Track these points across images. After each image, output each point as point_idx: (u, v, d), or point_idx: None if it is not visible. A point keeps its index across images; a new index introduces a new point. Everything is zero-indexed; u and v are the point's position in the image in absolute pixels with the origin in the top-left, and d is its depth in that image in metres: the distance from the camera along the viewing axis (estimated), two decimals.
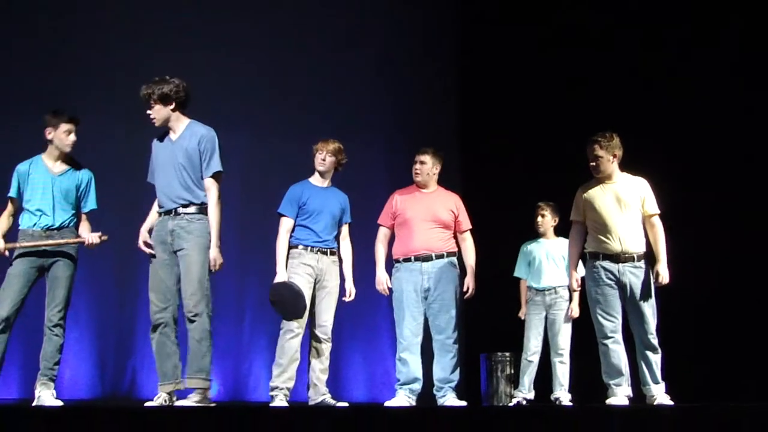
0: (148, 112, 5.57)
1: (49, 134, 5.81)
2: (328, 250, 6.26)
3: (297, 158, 6.79)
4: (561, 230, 7.35)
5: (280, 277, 6.11)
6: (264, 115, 8.57)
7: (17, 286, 5.66)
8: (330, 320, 6.23)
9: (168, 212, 5.57)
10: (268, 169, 8.35)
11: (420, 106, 9.17)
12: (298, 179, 6.39)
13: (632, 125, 7.12)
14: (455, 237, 6.56)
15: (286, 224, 6.23)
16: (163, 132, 5.67)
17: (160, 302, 5.54)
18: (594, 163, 6.18)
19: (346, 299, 6.33)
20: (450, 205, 6.55)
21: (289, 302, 5.98)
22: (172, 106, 5.57)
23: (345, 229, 6.42)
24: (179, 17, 8.67)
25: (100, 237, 5.84)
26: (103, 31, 8.40)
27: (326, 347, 6.21)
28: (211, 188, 5.55)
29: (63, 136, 5.80)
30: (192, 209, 5.54)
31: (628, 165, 6.26)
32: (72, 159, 5.93)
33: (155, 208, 5.71)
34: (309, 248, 6.20)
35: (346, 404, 6.06)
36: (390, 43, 9.37)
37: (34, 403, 5.59)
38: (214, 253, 5.50)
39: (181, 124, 5.62)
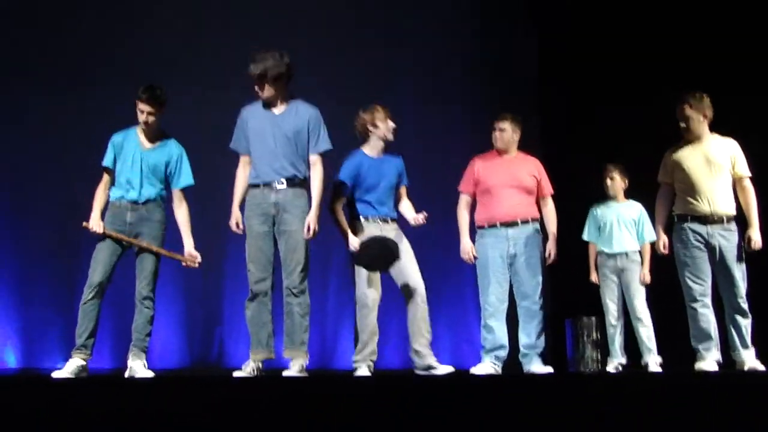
0: (258, 90, 5.63)
1: (138, 109, 5.85)
2: (389, 219, 6.16)
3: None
4: (632, 193, 7.25)
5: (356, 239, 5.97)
6: (341, 81, 8.55)
7: (106, 253, 5.76)
8: (414, 279, 6.07)
9: (268, 184, 5.65)
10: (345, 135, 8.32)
11: (498, 68, 9.04)
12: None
13: (722, 85, 6.89)
14: (537, 202, 6.50)
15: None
16: (255, 102, 5.73)
17: (260, 272, 5.64)
18: (683, 124, 6.10)
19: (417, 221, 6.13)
20: (531, 169, 6.49)
21: (378, 253, 5.88)
22: (283, 85, 5.65)
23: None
24: None
25: (196, 261, 5.95)
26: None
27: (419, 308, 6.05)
28: (317, 163, 5.70)
29: (139, 113, 5.83)
30: (297, 184, 5.65)
31: (718, 126, 6.14)
32: (164, 133, 5.99)
33: (242, 179, 5.77)
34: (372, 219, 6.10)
35: (451, 368, 6.00)
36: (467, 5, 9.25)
37: (126, 374, 5.71)
38: (314, 222, 5.60)
39: (284, 98, 5.70)
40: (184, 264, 5.99)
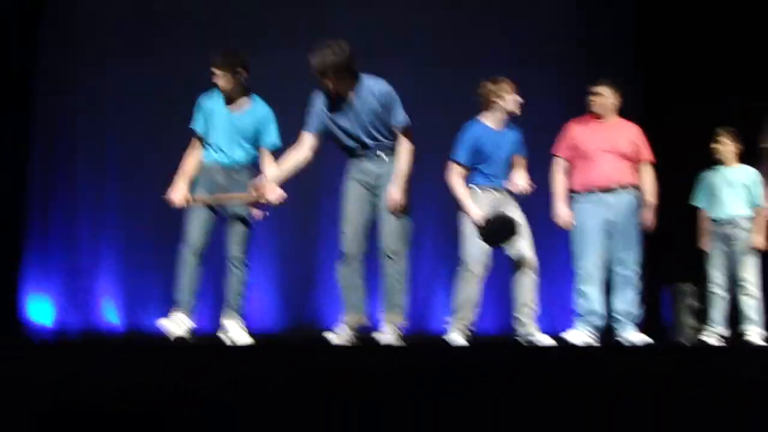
0: (327, 84, 5.55)
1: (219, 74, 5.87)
2: (504, 190, 6.12)
3: (464, 90, 6.61)
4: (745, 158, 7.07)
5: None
6: (428, 45, 8.48)
7: (198, 221, 5.84)
8: (526, 249, 6.03)
9: (369, 155, 5.66)
10: (433, 101, 8.26)
11: (595, 32, 8.85)
12: (463, 112, 6.24)
13: None
14: (636, 168, 6.38)
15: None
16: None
17: (354, 235, 5.66)
18: None
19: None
20: (631, 135, 6.36)
21: (499, 227, 5.85)
22: (347, 76, 5.56)
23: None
24: None
25: (276, 198, 5.77)
26: None
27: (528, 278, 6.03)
28: (402, 138, 5.65)
29: (217, 79, 5.87)
30: (388, 152, 5.65)
31: None
32: (249, 94, 5.99)
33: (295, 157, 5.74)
34: (485, 189, 6.07)
35: (552, 341, 5.96)
36: None
37: (220, 334, 5.82)
38: (397, 194, 5.59)
39: (352, 87, 5.61)
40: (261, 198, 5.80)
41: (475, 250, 5.94)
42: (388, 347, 5.30)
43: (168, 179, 5.99)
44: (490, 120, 6.09)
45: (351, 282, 5.66)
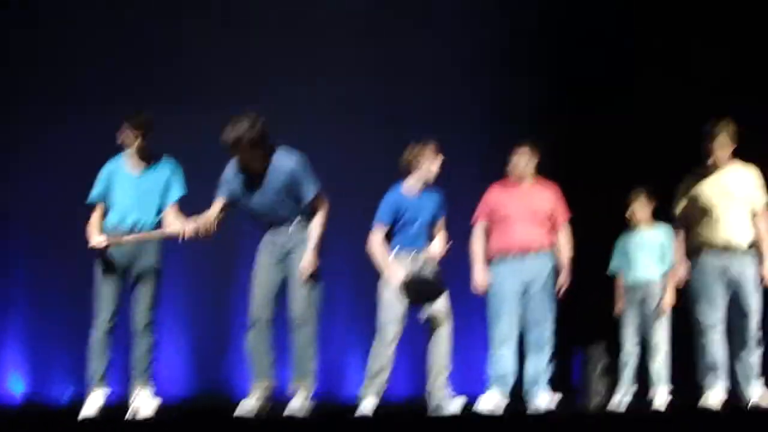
0: (243, 158, 5.55)
1: (125, 135, 5.82)
2: (423, 251, 6.14)
3: (386, 156, 6.67)
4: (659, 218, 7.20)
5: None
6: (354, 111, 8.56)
7: (108, 289, 5.73)
8: (443, 310, 6.04)
9: (278, 225, 5.69)
10: (359, 166, 8.30)
11: (512, 97, 9.02)
12: (388, 178, 6.28)
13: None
14: (552, 230, 6.47)
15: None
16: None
17: (263, 301, 5.65)
18: (712, 153, 6.06)
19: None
20: (547, 198, 6.45)
21: (423, 287, 5.91)
22: (260, 149, 5.57)
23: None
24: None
25: (199, 228, 5.62)
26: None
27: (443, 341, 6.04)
28: (318, 206, 5.68)
29: (132, 138, 5.81)
30: (304, 225, 5.68)
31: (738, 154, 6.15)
32: (152, 154, 5.92)
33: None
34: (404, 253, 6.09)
35: (462, 399, 6.00)
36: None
37: (131, 404, 5.70)
38: (310, 262, 5.61)
39: (266, 159, 5.62)
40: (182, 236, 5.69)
41: (391, 316, 5.94)
42: (295, 420, 5.25)
43: (77, 249, 5.89)
44: (411, 184, 6.14)
45: (259, 348, 5.64)
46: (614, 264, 7.38)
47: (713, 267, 6.04)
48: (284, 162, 5.61)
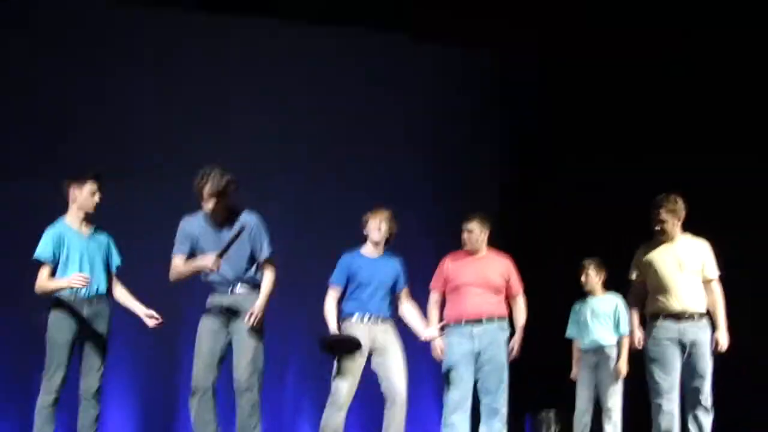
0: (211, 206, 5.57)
1: (73, 195, 5.65)
2: (380, 318, 6.14)
3: (338, 226, 6.68)
4: (610, 286, 7.33)
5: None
6: (301, 184, 8.55)
7: (65, 352, 5.54)
8: (398, 381, 6.04)
9: (225, 287, 5.66)
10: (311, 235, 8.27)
11: (463, 163, 9.12)
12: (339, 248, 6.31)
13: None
14: (507, 300, 6.52)
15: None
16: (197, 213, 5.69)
17: (205, 368, 5.57)
18: (658, 227, 6.22)
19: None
20: (501, 269, 6.51)
21: (344, 343, 5.92)
22: (222, 203, 5.60)
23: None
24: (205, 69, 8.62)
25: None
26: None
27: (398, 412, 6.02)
28: (267, 268, 5.71)
29: (87, 196, 5.64)
30: (253, 287, 5.67)
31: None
32: (91, 219, 5.77)
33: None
34: (361, 317, 6.09)
35: None
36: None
37: None
38: (259, 312, 5.58)
39: (227, 210, 5.67)
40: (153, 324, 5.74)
41: (345, 382, 5.93)
42: None
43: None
44: (367, 249, 6.20)
45: (204, 417, 5.56)
46: (570, 330, 7.50)
47: (669, 332, 6.13)
48: (247, 217, 5.65)
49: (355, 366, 5.96)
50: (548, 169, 9.01)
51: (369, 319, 6.07)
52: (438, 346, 6.38)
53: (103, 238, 5.78)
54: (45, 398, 5.49)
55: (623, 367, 7.10)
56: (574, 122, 8.95)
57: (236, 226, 5.57)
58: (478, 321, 6.33)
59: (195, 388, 5.57)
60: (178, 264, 5.64)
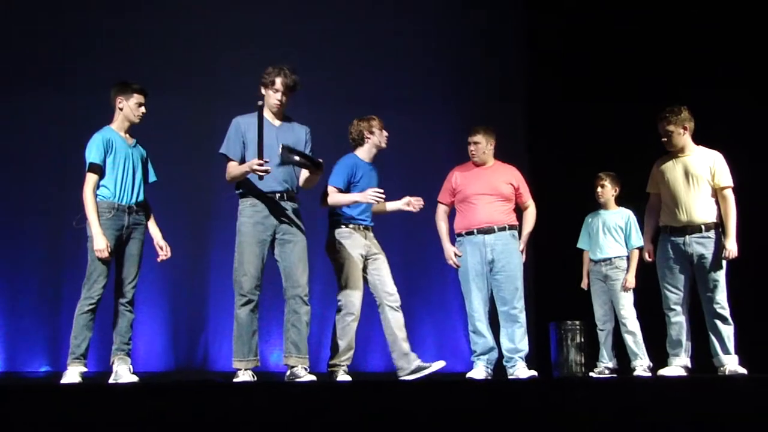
0: (283, 100, 5.73)
1: (120, 104, 5.79)
2: (371, 227, 6.31)
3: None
4: (624, 200, 7.37)
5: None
6: (322, 89, 8.57)
7: (105, 272, 5.64)
8: (390, 287, 6.23)
9: (273, 194, 5.71)
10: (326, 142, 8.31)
11: (485, 79, 9.09)
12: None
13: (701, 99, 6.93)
14: (517, 210, 6.61)
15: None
16: (247, 112, 5.75)
17: (257, 279, 5.67)
18: (665, 138, 6.28)
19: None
20: (509, 178, 6.60)
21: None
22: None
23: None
24: None
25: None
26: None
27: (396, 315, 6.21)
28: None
29: (134, 107, 5.78)
30: (295, 195, 5.80)
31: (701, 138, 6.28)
32: (133, 131, 5.91)
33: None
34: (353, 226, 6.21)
35: (443, 363, 6.15)
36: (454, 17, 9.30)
37: (111, 378, 5.66)
38: None
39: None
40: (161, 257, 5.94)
41: (353, 294, 6.08)
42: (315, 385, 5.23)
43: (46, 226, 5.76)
44: (363, 155, 6.32)
45: (251, 326, 5.66)
46: (581, 241, 7.56)
47: (675, 245, 6.21)
48: (296, 122, 5.87)
49: (360, 277, 6.13)
50: (573, 71, 8.94)
51: (363, 228, 6.26)
52: (451, 253, 6.54)
53: (143, 151, 5.92)
54: (84, 305, 5.60)
55: (631, 279, 7.16)
56: (597, 37, 8.84)
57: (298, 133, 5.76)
58: (489, 230, 6.44)
59: (249, 297, 5.65)
60: (232, 167, 5.72)
